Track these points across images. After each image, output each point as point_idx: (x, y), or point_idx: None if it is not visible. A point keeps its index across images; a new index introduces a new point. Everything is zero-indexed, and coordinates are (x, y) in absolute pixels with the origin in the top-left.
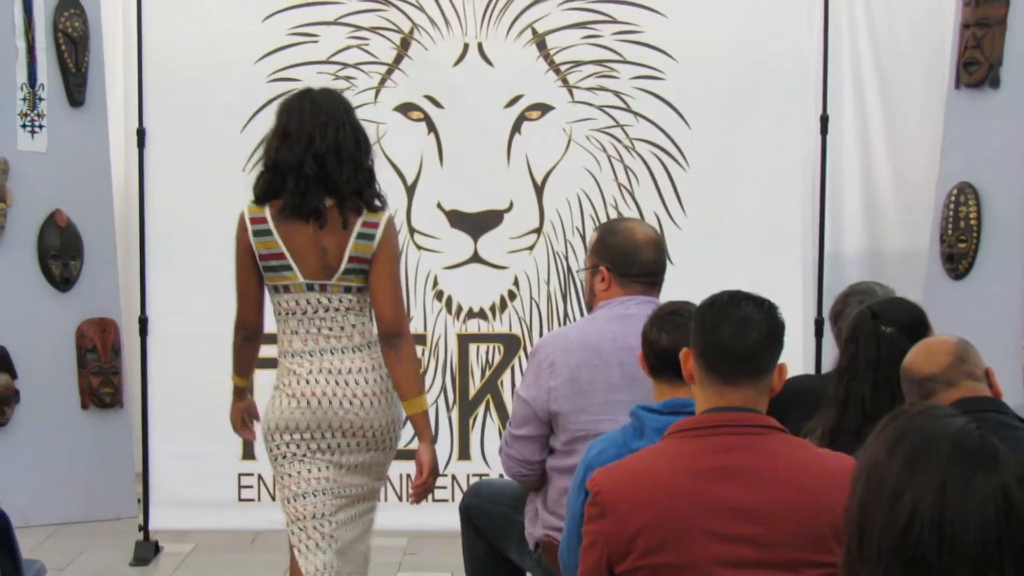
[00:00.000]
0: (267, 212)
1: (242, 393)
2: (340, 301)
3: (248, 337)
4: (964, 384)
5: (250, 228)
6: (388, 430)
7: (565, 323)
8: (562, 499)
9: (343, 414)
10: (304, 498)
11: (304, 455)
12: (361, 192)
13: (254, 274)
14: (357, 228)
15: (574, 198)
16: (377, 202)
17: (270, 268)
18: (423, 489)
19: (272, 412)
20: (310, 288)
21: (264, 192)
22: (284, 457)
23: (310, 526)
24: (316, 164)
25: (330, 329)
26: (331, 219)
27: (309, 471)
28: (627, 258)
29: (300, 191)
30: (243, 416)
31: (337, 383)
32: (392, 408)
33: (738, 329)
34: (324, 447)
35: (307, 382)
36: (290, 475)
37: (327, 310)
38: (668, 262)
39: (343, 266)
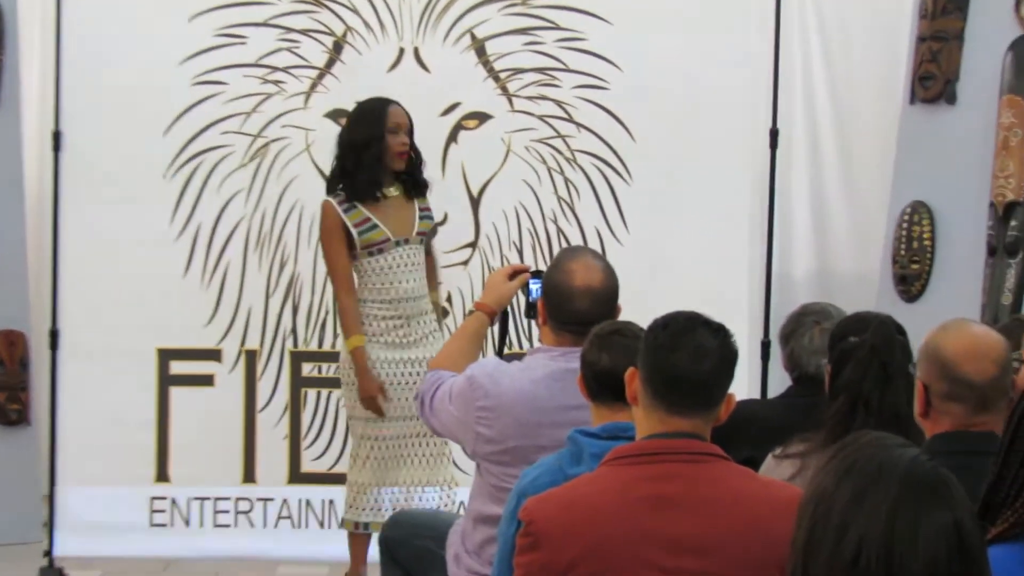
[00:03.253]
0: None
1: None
2: None
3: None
4: (1000, 406)
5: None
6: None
7: (500, 347)
8: (486, 547)
9: None
10: None
11: None
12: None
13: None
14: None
15: (512, 211)
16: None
17: None
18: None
19: None
20: None
21: None
22: None
23: None
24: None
25: None
26: None
27: None
28: (560, 302)
29: None
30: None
31: None
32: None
33: (692, 356)
34: None
35: None
36: None
37: None
38: (612, 306)
39: None
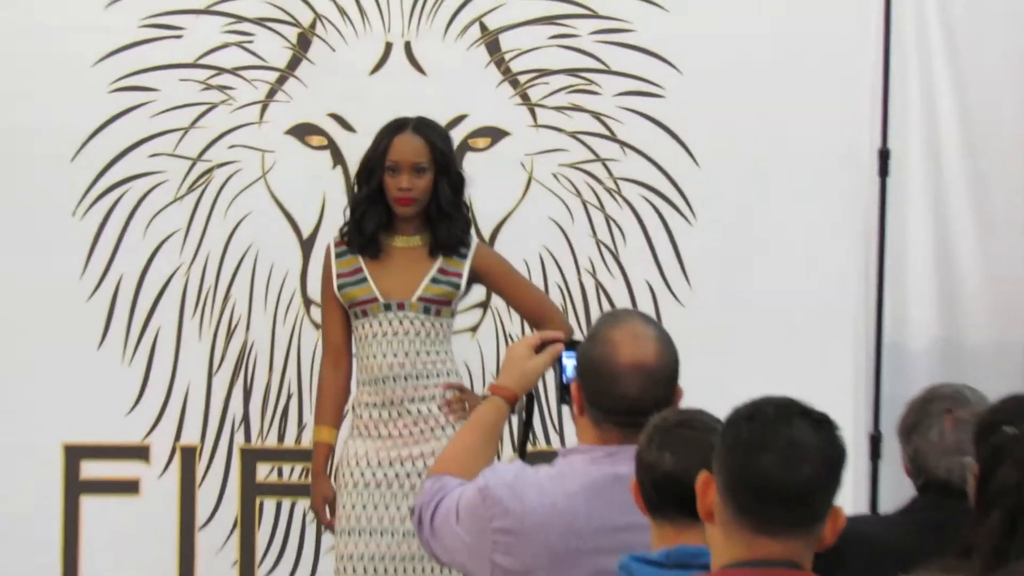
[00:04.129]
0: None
1: None
2: None
3: None
4: None
5: None
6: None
7: (523, 446)
8: None
9: None
10: None
11: None
12: None
13: None
14: None
15: (535, 260)
16: None
17: None
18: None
19: None
20: None
21: None
22: None
23: None
24: None
25: None
26: None
27: None
28: (602, 384)
29: None
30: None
31: None
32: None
33: (786, 458)
34: None
35: None
36: None
37: None
38: (670, 388)
39: None
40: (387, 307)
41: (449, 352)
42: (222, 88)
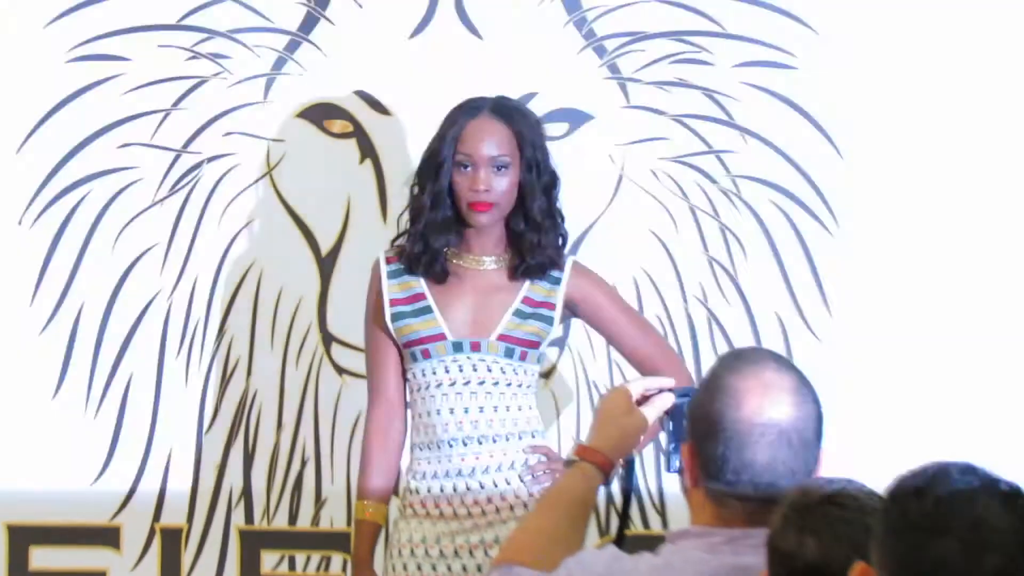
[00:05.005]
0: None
1: None
2: None
3: None
4: None
5: None
6: None
7: (622, 527)
8: None
9: None
10: None
11: None
12: None
13: None
14: None
15: (626, 283)
16: None
17: None
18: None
19: None
20: None
21: None
22: None
23: None
24: None
25: None
26: None
27: None
28: (720, 448)
29: None
30: None
31: None
32: None
33: (970, 544)
34: None
35: None
36: None
37: None
38: (811, 453)
39: None
40: (457, 347)
41: (534, 408)
42: (214, 57)
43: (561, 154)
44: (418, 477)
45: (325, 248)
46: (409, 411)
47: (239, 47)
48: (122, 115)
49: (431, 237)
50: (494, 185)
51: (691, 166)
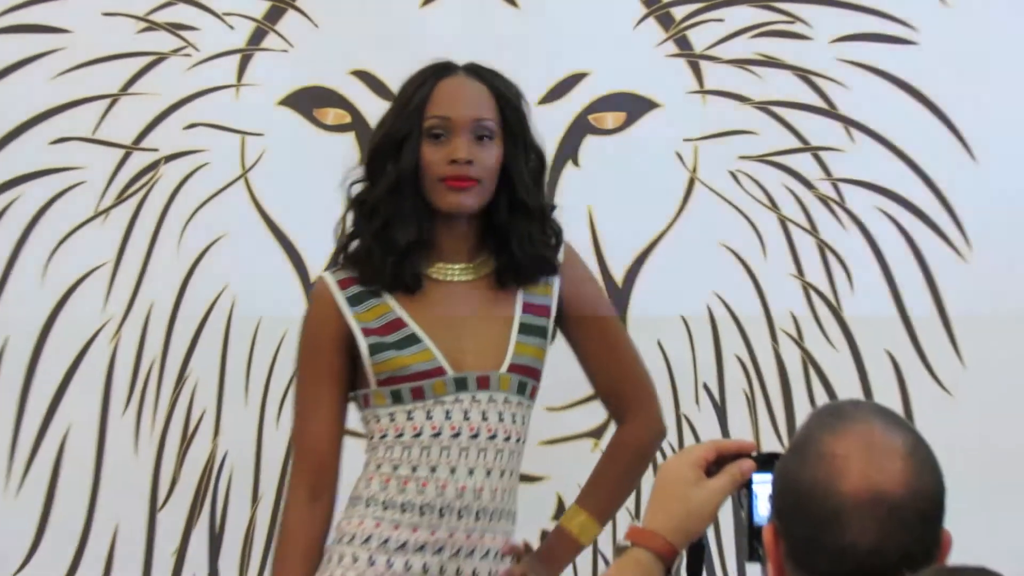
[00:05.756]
0: None
1: None
2: None
3: None
4: None
5: None
6: None
7: None
8: None
9: None
10: None
11: None
12: None
13: None
14: None
15: (699, 312)
16: None
17: None
18: None
19: None
20: None
21: None
22: None
23: None
24: None
25: None
26: None
27: None
28: (813, 531)
29: None
30: None
31: None
32: None
33: None
34: None
35: None
36: None
37: None
38: (931, 534)
39: None
40: (460, 385)
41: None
42: (174, 29)
43: (614, 151)
44: (391, 548)
45: (314, 268)
46: (371, 463)
47: (206, 16)
48: (57, 101)
49: (397, 232)
50: (478, 156)
51: (781, 167)
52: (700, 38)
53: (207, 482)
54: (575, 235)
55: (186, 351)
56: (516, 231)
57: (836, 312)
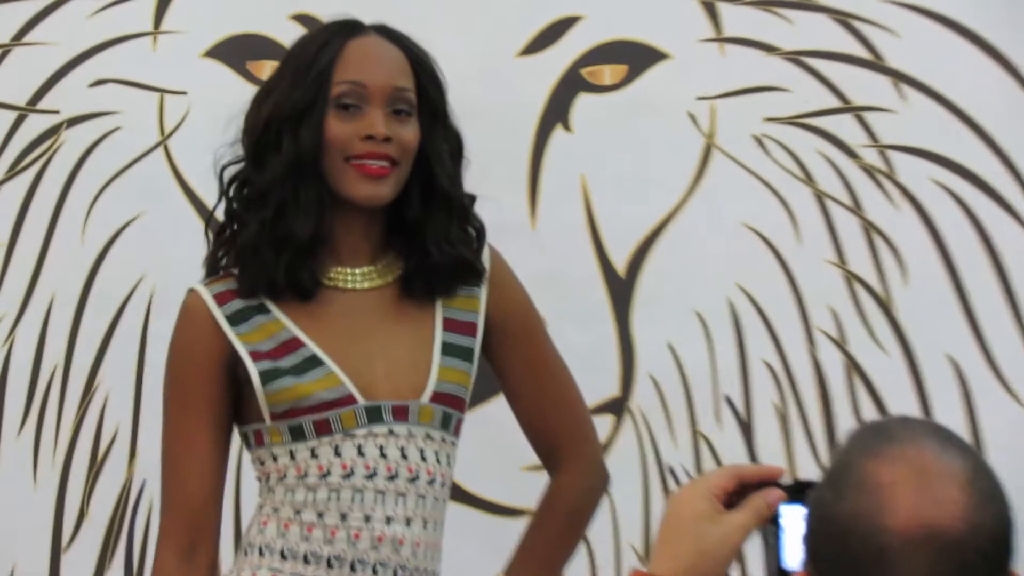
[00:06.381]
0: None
1: None
2: None
3: None
4: None
5: None
6: None
7: None
8: None
9: None
10: None
11: None
12: None
13: None
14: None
15: (719, 308)
16: None
17: None
18: None
19: None
20: None
21: None
22: None
23: None
24: None
25: None
26: None
27: None
28: (854, 568)
29: None
30: None
31: None
32: None
33: None
34: None
35: None
36: None
37: None
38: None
39: None
40: (373, 415)
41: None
42: None
43: (612, 112)
44: None
45: None
46: (266, 505)
47: None
48: None
49: (294, 225)
50: (398, 133)
51: (817, 131)
52: None
53: (122, 516)
54: (566, 214)
55: (95, 355)
56: (432, 228)
57: (885, 308)
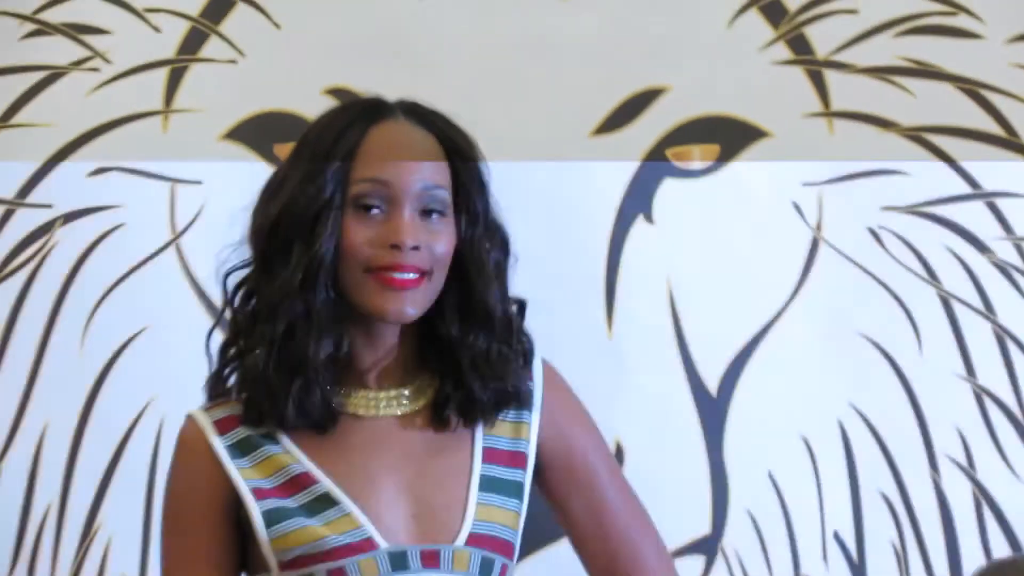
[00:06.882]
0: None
1: None
2: None
3: None
4: None
5: None
6: None
7: None
8: None
9: None
10: None
11: None
12: None
13: None
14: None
15: (825, 428)
16: None
17: None
18: None
19: None
20: None
21: None
22: None
23: None
24: None
25: None
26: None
27: None
28: None
29: None
30: None
31: None
32: None
33: None
34: None
35: None
36: None
37: None
38: None
39: None
40: (398, 563)
41: None
42: (76, 32)
43: (701, 198)
44: None
45: None
46: None
47: (122, 14)
48: None
49: (307, 344)
50: (426, 240)
51: (942, 221)
52: (824, 37)
53: None
54: (649, 319)
55: (95, 494)
56: (470, 347)
57: (1022, 429)
